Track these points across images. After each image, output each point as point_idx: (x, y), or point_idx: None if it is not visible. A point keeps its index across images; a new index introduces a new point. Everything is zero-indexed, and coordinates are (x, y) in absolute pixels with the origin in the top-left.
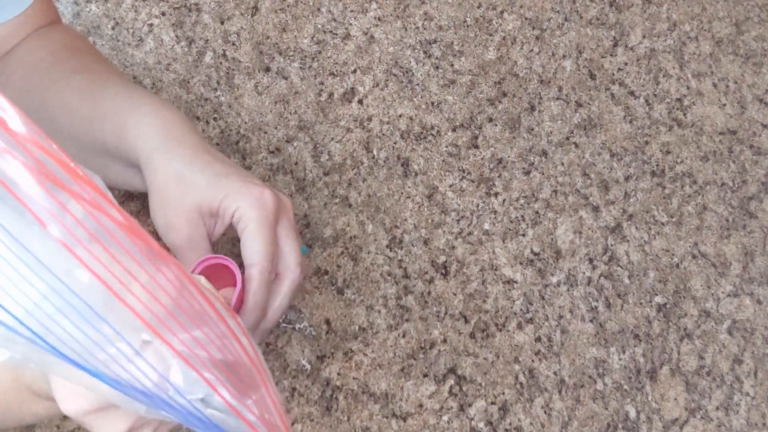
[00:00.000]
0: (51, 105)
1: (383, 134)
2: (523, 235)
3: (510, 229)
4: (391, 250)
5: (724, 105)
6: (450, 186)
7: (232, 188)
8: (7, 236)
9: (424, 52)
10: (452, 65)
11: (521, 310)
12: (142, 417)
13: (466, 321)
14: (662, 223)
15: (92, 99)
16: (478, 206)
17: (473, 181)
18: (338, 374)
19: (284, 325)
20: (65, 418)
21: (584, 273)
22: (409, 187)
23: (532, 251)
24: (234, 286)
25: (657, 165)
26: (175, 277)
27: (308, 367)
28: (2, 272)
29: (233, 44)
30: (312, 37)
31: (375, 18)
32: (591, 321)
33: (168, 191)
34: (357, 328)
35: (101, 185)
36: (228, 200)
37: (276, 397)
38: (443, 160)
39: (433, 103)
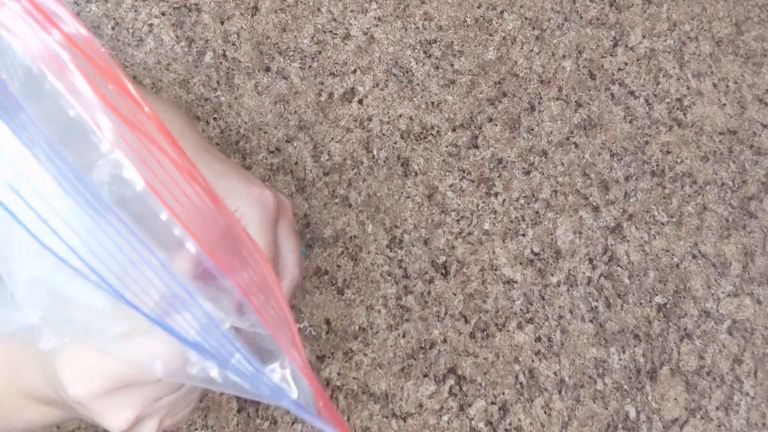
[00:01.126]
0: None
1: (383, 134)
2: (523, 235)
3: (510, 229)
4: (391, 250)
5: (724, 105)
6: (450, 186)
7: (232, 188)
8: (58, 157)
9: (424, 52)
10: (452, 65)
11: (521, 310)
12: (150, 404)
13: (466, 321)
14: (662, 223)
15: None
16: (478, 206)
17: (473, 181)
18: (338, 374)
19: None
20: None
21: (584, 273)
22: (409, 187)
23: (532, 251)
24: None
25: (657, 165)
26: (225, 212)
27: None
28: (55, 197)
29: (233, 44)
30: (312, 37)
31: (375, 18)
32: (591, 321)
33: None
34: (357, 328)
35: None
36: (228, 200)
37: (305, 358)
38: (443, 160)
39: (433, 103)
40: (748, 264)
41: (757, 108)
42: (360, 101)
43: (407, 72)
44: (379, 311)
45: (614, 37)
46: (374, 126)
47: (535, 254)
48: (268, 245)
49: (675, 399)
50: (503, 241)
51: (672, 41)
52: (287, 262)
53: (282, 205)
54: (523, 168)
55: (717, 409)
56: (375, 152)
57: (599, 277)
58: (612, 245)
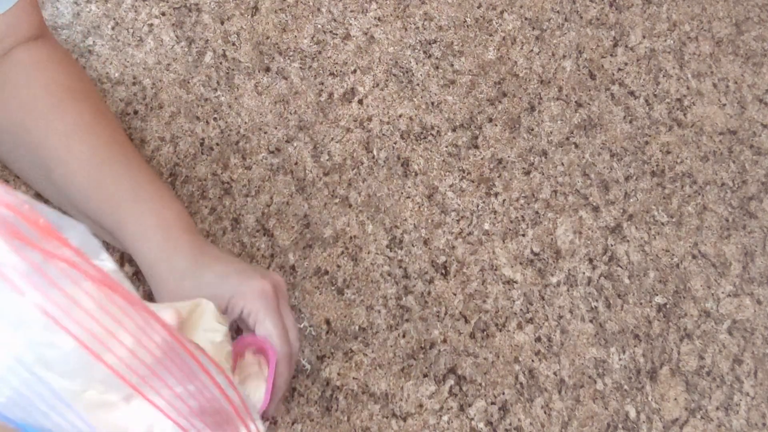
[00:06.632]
0: (47, 155)
1: (383, 134)
2: (523, 235)
3: (510, 229)
4: (391, 250)
5: (724, 105)
6: (450, 186)
7: (234, 289)
8: None
9: (424, 52)
10: (452, 65)
11: (521, 310)
12: None
13: (466, 321)
14: (662, 223)
15: (91, 172)
16: (478, 206)
17: (473, 181)
18: (338, 374)
19: None
20: None
21: (584, 273)
22: (409, 187)
23: (532, 251)
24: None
25: (657, 165)
26: (160, 336)
27: (308, 367)
28: None
29: (233, 44)
30: (312, 37)
31: (375, 18)
32: (591, 321)
33: (177, 296)
34: (357, 328)
35: (86, 234)
36: (234, 300)
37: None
38: (443, 160)
39: (433, 103)
40: (748, 264)
41: (757, 108)
42: (360, 101)
43: (407, 72)
44: (379, 311)
45: (614, 37)
46: (374, 126)
47: (535, 254)
48: (281, 329)
49: (675, 399)
50: (503, 241)
51: (672, 41)
52: (291, 336)
53: (279, 287)
54: (523, 168)
55: (717, 409)
56: (375, 152)
57: (599, 277)
58: (612, 245)
